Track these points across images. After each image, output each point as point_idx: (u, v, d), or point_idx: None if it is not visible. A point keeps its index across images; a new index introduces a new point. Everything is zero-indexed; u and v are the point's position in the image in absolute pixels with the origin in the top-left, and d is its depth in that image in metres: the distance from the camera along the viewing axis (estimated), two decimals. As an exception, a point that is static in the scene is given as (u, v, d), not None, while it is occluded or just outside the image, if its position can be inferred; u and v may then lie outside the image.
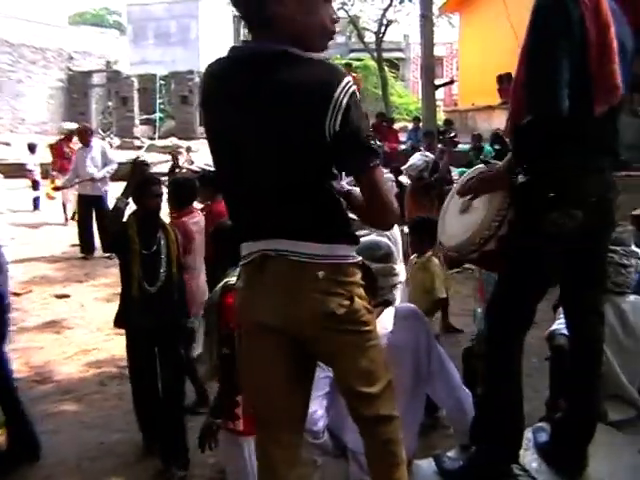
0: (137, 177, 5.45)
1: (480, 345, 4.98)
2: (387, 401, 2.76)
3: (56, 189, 15.02)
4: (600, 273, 3.67)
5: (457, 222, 3.60)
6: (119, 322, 5.45)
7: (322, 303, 2.56)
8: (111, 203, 5.66)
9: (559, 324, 4.15)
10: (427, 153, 9.69)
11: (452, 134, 17.60)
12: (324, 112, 2.45)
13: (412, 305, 3.95)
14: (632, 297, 4.21)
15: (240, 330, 2.80)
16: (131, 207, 5.31)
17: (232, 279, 4.31)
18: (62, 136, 17.58)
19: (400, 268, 3.83)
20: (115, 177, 12.43)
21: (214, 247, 4.78)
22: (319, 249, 2.58)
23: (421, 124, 17.76)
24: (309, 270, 2.56)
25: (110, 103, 38.39)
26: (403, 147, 18.62)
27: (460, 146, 18.08)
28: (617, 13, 3.30)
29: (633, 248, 4.22)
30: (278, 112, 2.49)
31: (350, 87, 2.48)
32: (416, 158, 8.78)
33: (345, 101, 2.45)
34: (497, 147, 16.32)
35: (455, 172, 14.28)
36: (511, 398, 3.51)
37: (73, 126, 17.18)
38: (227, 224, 4.84)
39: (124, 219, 5.27)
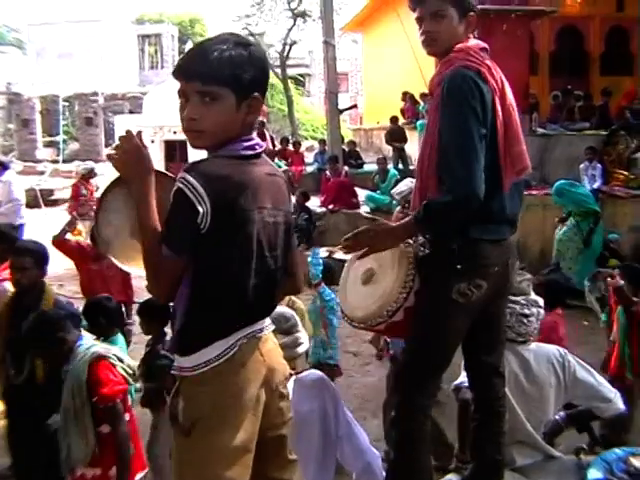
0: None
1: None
2: None
3: None
4: (500, 336, 3.80)
5: (361, 293, 3.60)
6: None
7: None
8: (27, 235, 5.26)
9: (464, 376, 4.21)
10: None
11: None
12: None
13: (316, 372, 3.94)
14: (534, 345, 4.28)
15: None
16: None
17: (97, 349, 4.23)
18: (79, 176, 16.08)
19: (304, 335, 3.82)
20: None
21: None
22: None
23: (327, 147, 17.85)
24: None
25: (11, 125, 37.47)
26: (310, 169, 18.66)
27: (366, 167, 18.29)
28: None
29: (533, 297, 4.30)
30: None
31: None
32: (404, 184, 8.62)
33: None
34: (401, 167, 16.57)
35: (363, 197, 14.47)
36: (421, 461, 3.55)
37: (90, 166, 15.85)
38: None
39: None
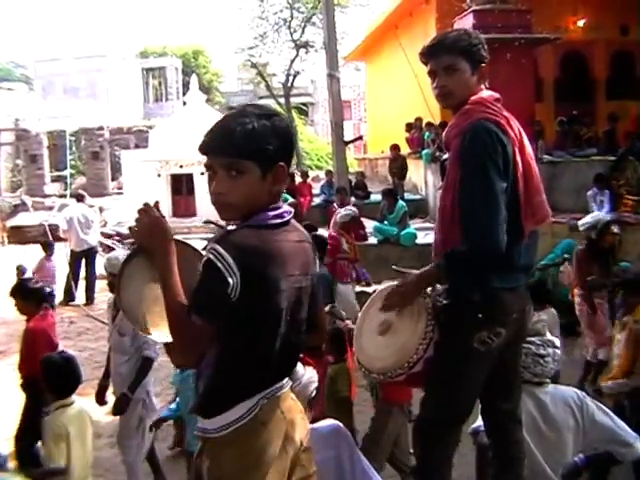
0: None
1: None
2: None
3: None
4: (516, 382, 3.81)
5: (379, 344, 3.60)
6: None
7: None
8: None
9: (481, 420, 4.16)
10: None
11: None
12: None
13: (333, 421, 3.88)
14: (550, 387, 4.23)
15: None
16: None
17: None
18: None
19: (312, 374, 3.76)
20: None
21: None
22: None
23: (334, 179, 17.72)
24: None
25: (19, 161, 37.61)
26: (317, 201, 18.62)
27: (373, 197, 18.21)
28: None
29: (549, 337, 4.26)
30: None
31: None
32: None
33: None
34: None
35: (370, 227, 14.41)
36: None
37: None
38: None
39: None
